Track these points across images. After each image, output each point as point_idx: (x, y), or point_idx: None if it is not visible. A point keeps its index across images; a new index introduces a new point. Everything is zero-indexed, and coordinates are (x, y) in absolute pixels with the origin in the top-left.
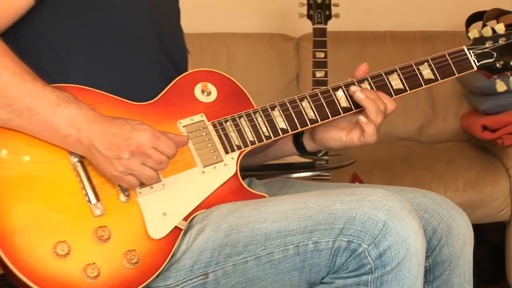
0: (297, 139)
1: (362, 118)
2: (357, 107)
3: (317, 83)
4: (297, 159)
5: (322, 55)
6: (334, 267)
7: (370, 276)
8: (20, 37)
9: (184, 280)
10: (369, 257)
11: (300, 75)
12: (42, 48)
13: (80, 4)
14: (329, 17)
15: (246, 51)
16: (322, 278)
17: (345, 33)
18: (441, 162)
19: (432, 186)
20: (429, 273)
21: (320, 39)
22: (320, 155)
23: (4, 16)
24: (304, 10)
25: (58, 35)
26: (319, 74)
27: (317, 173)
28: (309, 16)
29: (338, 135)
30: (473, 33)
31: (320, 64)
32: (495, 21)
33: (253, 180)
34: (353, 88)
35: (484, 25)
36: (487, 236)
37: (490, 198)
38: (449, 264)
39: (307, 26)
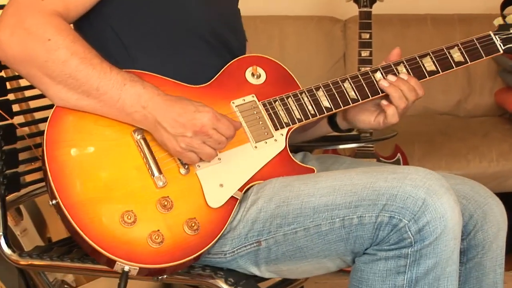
0: (331, 119)
1: (383, 101)
2: None
3: (363, 62)
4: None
5: (367, 36)
6: (377, 239)
7: (410, 249)
8: (90, 24)
9: (239, 247)
10: (409, 232)
11: (347, 55)
12: (108, 35)
13: None
14: (374, 0)
15: (297, 32)
16: (366, 249)
17: (389, 15)
18: (476, 134)
19: (468, 157)
20: (463, 255)
21: (365, 21)
22: (352, 133)
23: (73, 8)
24: None
25: (123, 23)
26: (364, 53)
27: (362, 144)
28: (356, 0)
29: (367, 118)
30: (498, 20)
31: (365, 44)
32: None
33: (307, 154)
34: (381, 80)
35: None
36: None
37: None
38: (482, 248)
39: (354, 9)
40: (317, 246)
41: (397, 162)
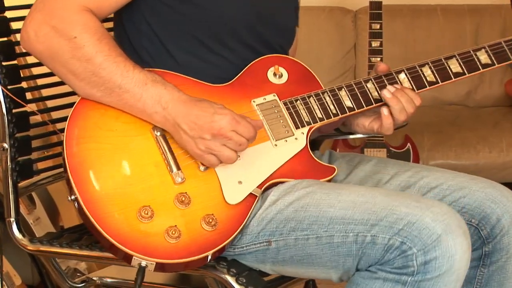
0: None
1: (384, 111)
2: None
3: (373, 52)
4: None
5: (378, 26)
6: (382, 260)
7: (410, 278)
8: (128, 15)
9: (249, 243)
10: (415, 261)
11: (358, 45)
12: (144, 28)
13: None
14: None
15: (308, 22)
16: (369, 266)
17: (399, 6)
18: (486, 125)
19: (477, 147)
20: (487, 257)
21: (376, 11)
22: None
23: (107, 5)
24: None
25: (157, 19)
26: (375, 44)
27: (372, 134)
28: None
29: (362, 122)
30: None
31: (375, 35)
32: None
33: (333, 153)
34: (384, 90)
35: None
36: None
37: None
38: (506, 252)
39: (364, 0)
40: (325, 256)
41: (407, 152)
